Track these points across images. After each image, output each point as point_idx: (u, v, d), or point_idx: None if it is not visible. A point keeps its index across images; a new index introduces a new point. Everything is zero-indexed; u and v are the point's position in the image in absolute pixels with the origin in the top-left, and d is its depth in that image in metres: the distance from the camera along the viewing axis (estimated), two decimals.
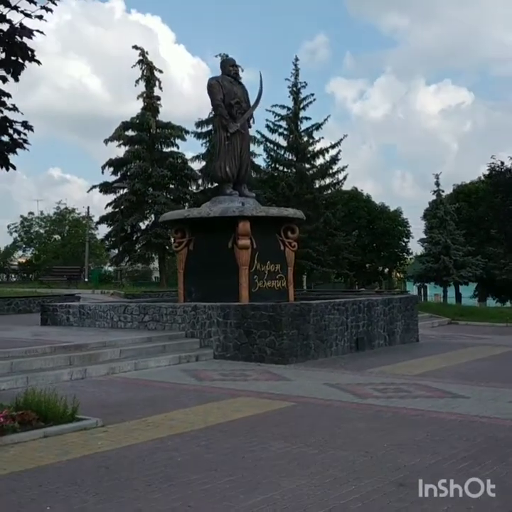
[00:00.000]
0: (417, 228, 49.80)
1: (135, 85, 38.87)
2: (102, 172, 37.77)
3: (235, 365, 12.48)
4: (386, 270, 54.87)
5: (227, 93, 16.02)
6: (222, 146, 16.10)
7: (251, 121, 16.77)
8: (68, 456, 6.35)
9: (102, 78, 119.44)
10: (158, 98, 37.38)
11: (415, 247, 51.71)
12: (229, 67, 16.42)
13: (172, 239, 17.82)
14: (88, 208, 49.57)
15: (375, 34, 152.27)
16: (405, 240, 52.38)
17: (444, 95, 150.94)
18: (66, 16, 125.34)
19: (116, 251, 39.76)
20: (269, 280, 15.54)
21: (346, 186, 47.00)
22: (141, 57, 37.75)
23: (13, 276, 61.90)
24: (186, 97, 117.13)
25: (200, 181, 38.32)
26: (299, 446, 6.71)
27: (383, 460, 6.19)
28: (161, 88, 37.31)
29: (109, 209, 37.66)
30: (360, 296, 16.48)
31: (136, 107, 38.03)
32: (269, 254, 15.56)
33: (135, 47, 37.75)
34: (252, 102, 16.68)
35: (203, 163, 38.34)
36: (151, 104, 36.50)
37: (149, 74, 36.43)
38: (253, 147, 38.38)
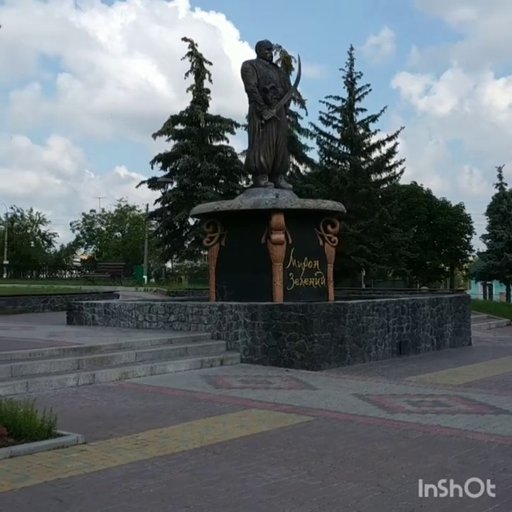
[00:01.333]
0: (482, 224, 47.53)
1: (185, 78, 38.26)
2: (152, 167, 37.20)
3: (261, 370, 11.44)
4: (448, 268, 52.82)
5: (262, 77, 14.96)
6: (256, 134, 15.04)
7: (288, 107, 15.65)
8: (26, 482, 5.42)
9: (166, 77, 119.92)
10: (208, 91, 36.53)
11: (479, 244, 49.63)
12: (264, 50, 15.35)
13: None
14: (147, 205, 49.00)
15: (441, 27, 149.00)
16: (468, 236, 50.31)
17: None
18: (131, 15, 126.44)
19: (166, 247, 39.09)
20: (306, 278, 14.43)
21: (405, 180, 45.53)
22: (190, 50, 36.96)
23: (74, 272, 62.15)
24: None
25: (250, 176, 37.30)
26: (300, 474, 5.65)
27: (397, 496, 5.09)
28: (210, 80, 36.51)
29: (158, 205, 37.14)
30: (405, 296, 15.19)
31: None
32: (307, 249, 14.45)
33: (184, 39, 37.02)
34: (290, 88, 15.58)
35: None
36: (200, 97, 35.67)
37: (199, 66, 35.57)
38: (306, 140, 37.44)
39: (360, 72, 37.91)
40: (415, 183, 50.89)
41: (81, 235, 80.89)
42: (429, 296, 14.81)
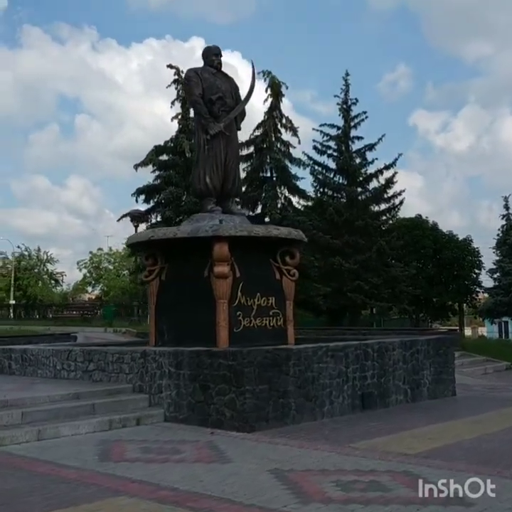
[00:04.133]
0: (493, 259, 45.22)
1: (171, 107, 36.66)
2: (136, 200, 35.29)
3: (180, 433, 9.29)
4: (456, 305, 50.19)
5: (208, 87, 13.02)
6: (201, 151, 13.06)
7: (240, 121, 13.67)
8: None
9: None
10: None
11: (488, 279, 47.11)
12: (212, 57, 13.41)
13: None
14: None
15: (457, 63, 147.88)
16: (476, 271, 47.80)
17: None
18: (148, 56, 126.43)
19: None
20: (259, 317, 12.28)
21: (409, 213, 43.45)
22: (176, 77, 35.33)
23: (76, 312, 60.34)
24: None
25: (238, 207, 35.35)
26: None
27: None
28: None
29: None
30: (372, 339, 12.96)
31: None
32: (260, 284, 12.34)
33: (170, 66, 35.42)
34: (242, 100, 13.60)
35: (244, 188, 35.41)
36: (186, 125, 33.90)
37: (185, 95, 33.89)
38: (298, 170, 35.38)
39: (355, 99, 36.14)
40: (420, 215, 48.67)
41: (88, 274, 79.28)
42: (400, 338, 12.58)
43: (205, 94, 12.99)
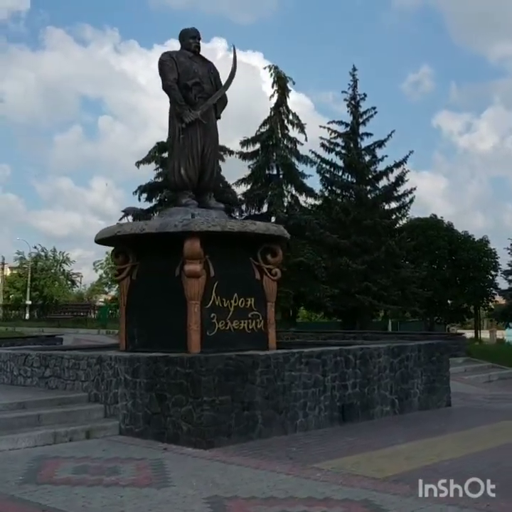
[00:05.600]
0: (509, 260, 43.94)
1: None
2: (139, 199, 34.43)
3: (129, 449, 8.34)
4: (472, 308, 48.80)
5: (184, 72, 12.05)
6: (176, 141, 12.10)
7: (220, 110, 12.70)
8: None
9: None
10: None
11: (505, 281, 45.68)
12: (189, 40, 12.44)
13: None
14: None
15: (481, 63, 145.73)
16: (493, 273, 46.39)
17: None
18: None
19: None
20: (236, 320, 11.26)
21: (424, 213, 42.28)
22: None
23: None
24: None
25: (243, 207, 34.46)
26: None
27: None
28: None
29: None
30: (355, 344, 11.92)
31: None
32: (237, 284, 11.33)
33: None
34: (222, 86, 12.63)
35: (249, 186, 34.52)
36: None
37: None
38: (306, 168, 34.32)
39: (364, 94, 35.03)
40: (434, 215, 47.41)
41: (104, 275, 78.74)
42: (387, 344, 11.53)
43: (181, 79, 12.03)
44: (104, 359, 9.67)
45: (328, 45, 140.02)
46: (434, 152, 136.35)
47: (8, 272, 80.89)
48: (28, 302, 64.21)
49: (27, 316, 60.61)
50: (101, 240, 12.04)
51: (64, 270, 78.70)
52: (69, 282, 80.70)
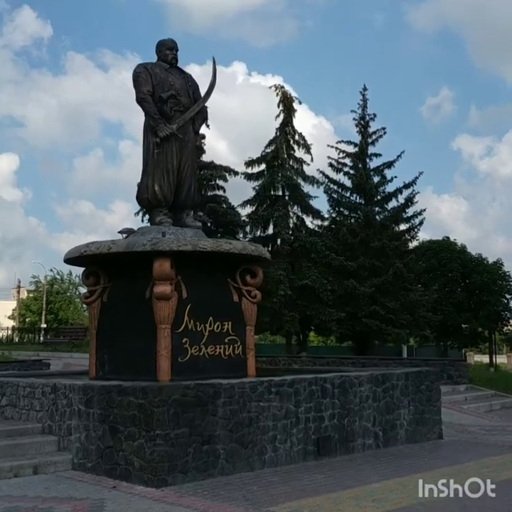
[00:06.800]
0: None
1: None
2: (142, 220, 33.87)
3: (75, 487, 7.66)
4: (486, 332, 47.55)
5: (159, 83, 11.51)
6: (150, 156, 11.53)
7: (199, 124, 12.16)
8: None
9: (226, 141, 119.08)
10: (203, 136, 33.33)
11: None
12: (165, 51, 11.89)
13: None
14: None
15: (501, 87, 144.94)
16: (508, 296, 45.20)
17: None
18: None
19: None
20: (211, 345, 10.59)
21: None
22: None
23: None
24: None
25: (248, 228, 33.80)
26: None
27: None
28: (207, 125, 33.24)
29: None
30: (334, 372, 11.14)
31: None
32: (212, 307, 10.68)
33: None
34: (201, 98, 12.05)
35: (254, 208, 33.90)
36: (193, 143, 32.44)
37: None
38: (312, 189, 33.65)
39: (373, 114, 34.44)
40: (447, 237, 46.42)
41: None
42: (370, 372, 10.75)
43: (156, 91, 11.49)
44: (59, 388, 9.00)
45: (347, 68, 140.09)
46: (455, 175, 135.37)
47: (25, 294, 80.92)
48: (43, 325, 63.95)
49: (41, 339, 60.35)
50: (68, 260, 11.44)
51: (80, 293, 78.48)
52: (84, 305, 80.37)
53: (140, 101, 11.49)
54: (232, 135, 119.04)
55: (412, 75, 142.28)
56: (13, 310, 78.77)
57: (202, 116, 12.31)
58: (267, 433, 8.78)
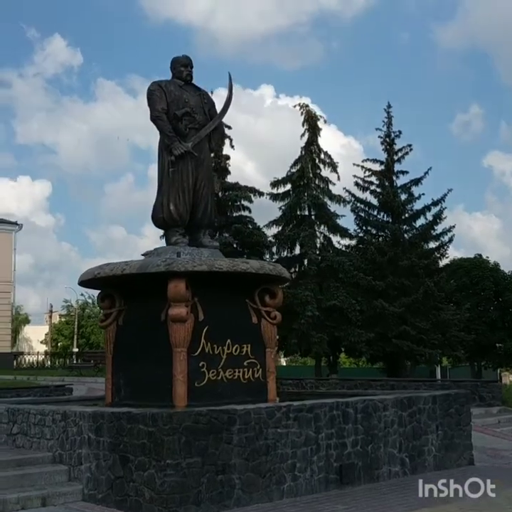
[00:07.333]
0: None
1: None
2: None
3: None
4: None
5: (174, 101, 11.26)
6: (165, 175, 11.25)
7: (215, 141, 11.87)
8: None
9: (255, 163, 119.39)
10: (228, 157, 33.19)
11: None
12: (180, 68, 11.67)
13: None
14: None
15: None
16: None
17: None
18: (219, 106, 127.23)
19: None
20: (229, 369, 10.22)
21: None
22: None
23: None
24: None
25: (274, 249, 33.51)
26: None
27: None
28: (232, 146, 33.21)
29: None
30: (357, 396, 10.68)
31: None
32: (231, 329, 10.33)
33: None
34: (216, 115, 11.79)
35: (280, 228, 33.59)
36: (218, 164, 32.33)
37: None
38: (338, 208, 33.27)
39: (399, 131, 34.08)
40: (480, 255, 45.67)
41: None
42: (395, 395, 10.27)
43: (170, 109, 11.24)
44: (69, 415, 8.68)
45: (374, 87, 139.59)
46: (486, 193, 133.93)
47: (57, 319, 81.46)
48: (75, 350, 64.09)
49: (75, 363, 60.41)
50: (83, 283, 11.20)
51: None
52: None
53: (154, 119, 11.25)
54: (261, 157, 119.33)
55: (441, 92, 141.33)
56: (46, 334, 79.26)
57: (219, 134, 12.04)
58: (285, 461, 8.36)
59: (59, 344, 75.46)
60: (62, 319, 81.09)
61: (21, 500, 7.71)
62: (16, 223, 44.51)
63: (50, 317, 78.21)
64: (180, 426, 7.52)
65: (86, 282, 11.09)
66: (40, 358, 51.48)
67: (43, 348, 71.99)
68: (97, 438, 8.20)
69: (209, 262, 10.10)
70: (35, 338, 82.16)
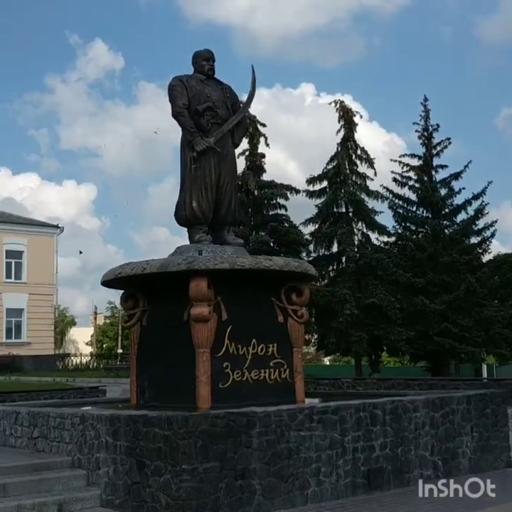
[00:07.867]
0: None
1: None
2: None
3: None
4: None
5: (195, 96, 10.98)
6: (187, 172, 10.99)
7: (239, 136, 11.59)
8: None
9: (297, 162, 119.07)
10: (263, 155, 32.83)
11: None
12: (201, 62, 11.38)
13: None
14: None
15: None
16: None
17: None
18: (259, 106, 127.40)
19: None
20: (255, 369, 9.92)
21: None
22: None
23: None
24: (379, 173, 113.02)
25: (311, 247, 33.11)
26: None
27: None
28: (267, 144, 32.87)
29: None
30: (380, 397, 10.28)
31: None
32: (256, 328, 10.03)
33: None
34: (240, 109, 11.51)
35: (317, 225, 33.18)
36: (253, 162, 32.05)
37: (252, 129, 31.84)
38: (376, 204, 32.72)
39: (436, 125, 33.40)
40: None
41: None
42: (426, 396, 9.84)
43: (192, 104, 10.97)
44: (87, 418, 8.48)
45: (416, 82, 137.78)
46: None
47: (102, 321, 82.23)
48: (120, 351, 64.45)
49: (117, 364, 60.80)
50: (105, 283, 11.01)
51: None
52: None
53: (176, 115, 11.00)
54: (302, 156, 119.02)
55: (484, 86, 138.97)
56: (91, 336, 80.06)
57: (242, 128, 11.78)
58: (309, 465, 8.02)
59: (104, 345, 76.19)
60: (107, 321, 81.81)
61: (36, 506, 7.52)
62: (57, 226, 44.65)
63: (95, 319, 79.01)
64: (196, 429, 7.24)
65: (108, 282, 10.90)
66: (85, 359, 51.95)
67: (88, 349, 72.82)
68: (114, 442, 7.97)
69: (231, 260, 9.81)
70: (82, 340, 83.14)
